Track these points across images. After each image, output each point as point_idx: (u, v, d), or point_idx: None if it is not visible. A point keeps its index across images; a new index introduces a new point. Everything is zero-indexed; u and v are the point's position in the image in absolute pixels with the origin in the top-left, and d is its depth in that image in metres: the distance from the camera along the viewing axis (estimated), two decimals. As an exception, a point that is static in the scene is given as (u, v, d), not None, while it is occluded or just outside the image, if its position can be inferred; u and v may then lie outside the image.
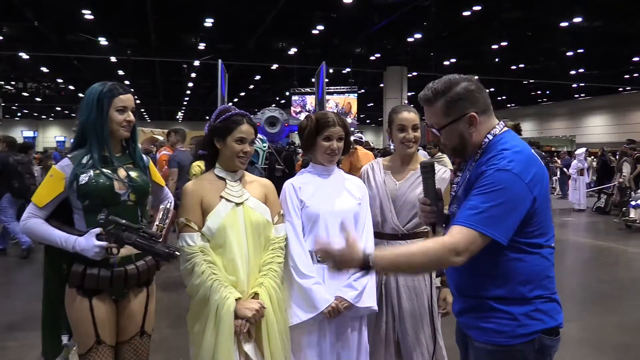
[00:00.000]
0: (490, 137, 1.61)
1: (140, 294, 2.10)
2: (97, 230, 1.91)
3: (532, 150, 1.59)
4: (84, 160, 1.97)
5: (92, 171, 1.96)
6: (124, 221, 1.91)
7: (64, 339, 2.03)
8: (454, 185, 1.79)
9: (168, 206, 2.10)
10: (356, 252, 1.48)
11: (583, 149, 13.60)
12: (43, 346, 2.09)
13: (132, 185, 2.04)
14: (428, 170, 1.76)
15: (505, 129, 1.63)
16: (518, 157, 1.51)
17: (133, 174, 2.07)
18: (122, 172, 2.04)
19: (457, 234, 1.47)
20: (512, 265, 1.53)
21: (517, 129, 5.55)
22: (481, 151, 1.61)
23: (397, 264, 1.53)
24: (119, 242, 1.92)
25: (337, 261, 1.49)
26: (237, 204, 2.07)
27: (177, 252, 1.92)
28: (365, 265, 1.47)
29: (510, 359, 1.54)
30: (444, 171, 2.40)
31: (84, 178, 1.94)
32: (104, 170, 1.98)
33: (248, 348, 1.99)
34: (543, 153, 15.36)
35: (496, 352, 1.55)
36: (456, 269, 1.62)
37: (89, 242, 1.89)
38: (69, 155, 2.00)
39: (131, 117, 2.05)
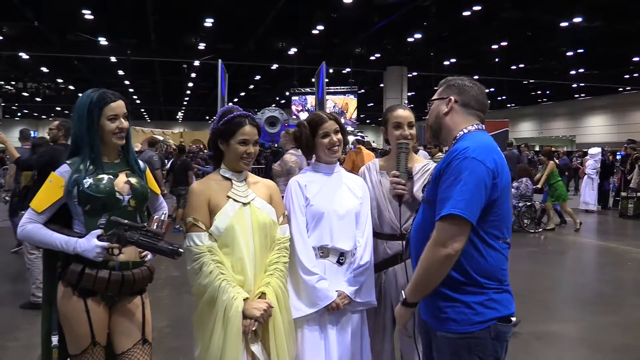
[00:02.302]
0: (465, 131, 1.78)
1: (135, 301, 2.08)
2: (98, 231, 1.91)
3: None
4: (82, 167, 1.97)
5: (92, 177, 1.96)
6: (125, 221, 1.91)
7: (54, 339, 2.00)
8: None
9: (162, 217, 2.08)
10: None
11: (598, 149, 13.03)
12: (42, 349, 2.06)
13: (133, 190, 2.04)
14: (404, 147, 2.08)
15: (479, 129, 1.79)
16: (477, 145, 1.66)
17: (133, 180, 2.08)
18: (122, 178, 2.05)
19: (435, 230, 1.61)
20: (471, 256, 1.63)
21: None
22: (454, 143, 1.78)
23: (419, 291, 1.69)
24: (121, 241, 1.91)
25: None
26: (244, 204, 2.08)
27: (180, 249, 1.91)
28: (404, 303, 1.73)
29: (469, 346, 1.62)
30: (433, 166, 2.41)
31: (85, 183, 1.94)
32: (105, 175, 1.99)
33: (255, 348, 2.00)
34: (526, 152, 15.17)
35: (456, 340, 1.65)
36: (420, 248, 1.72)
37: (90, 243, 1.88)
38: (67, 162, 2.00)
39: (124, 124, 2.04)
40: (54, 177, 1.97)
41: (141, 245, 1.92)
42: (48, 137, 5.02)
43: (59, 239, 1.92)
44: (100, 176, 1.98)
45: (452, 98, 1.82)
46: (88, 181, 1.95)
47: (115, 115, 2.01)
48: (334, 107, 19.83)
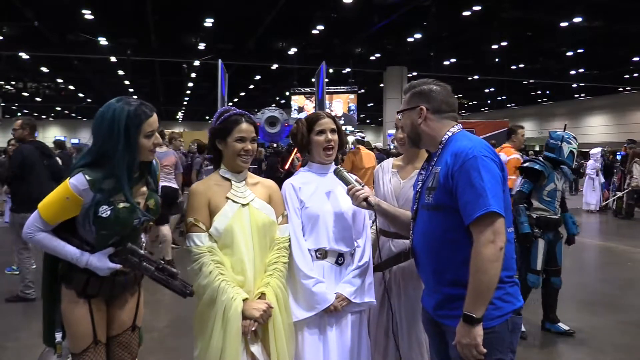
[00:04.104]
0: (450, 134, 1.82)
1: (132, 291, 2.14)
2: (110, 250, 1.92)
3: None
4: (104, 186, 1.86)
5: (113, 204, 1.87)
6: (142, 252, 1.93)
7: (58, 336, 2.04)
8: (418, 182, 1.92)
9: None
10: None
11: (599, 149, 13.00)
12: (44, 335, 2.10)
13: (148, 213, 2.03)
14: (338, 170, 2.16)
15: (461, 129, 1.85)
16: (477, 143, 1.72)
17: (151, 202, 2.05)
18: (141, 202, 2.01)
19: (477, 232, 1.62)
20: None
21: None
22: (441, 147, 1.82)
23: (482, 298, 1.61)
24: (134, 269, 1.96)
25: None
26: (243, 205, 2.08)
27: (193, 291, 1.95)
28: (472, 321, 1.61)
29: (491, 340, 1.64)
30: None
31: (105, 210, 1.85)
32: (127, 205, 1.89)
33: (255, 349, 2.00)
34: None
35: None
36: (433, 255, 1.77)
37: (102, 264, 1.90)
38: (86, 177, 1.84)
39: (159, 139, 1.98)
40: (72, 195, 1.84)
41: (155, 280, 1.94)
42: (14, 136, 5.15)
43: (70, 252, 1.90)
44: (121, 206, 1.88)
45: (423, 107, 1.84)
46: (107, 210, 1.85)
47: (152, 131, 1.93)
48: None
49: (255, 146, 2.12)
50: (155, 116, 1.95)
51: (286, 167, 10.01)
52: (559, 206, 4.09)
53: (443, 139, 1.82)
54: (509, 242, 1.70)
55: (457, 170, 1.67)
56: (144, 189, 2.06)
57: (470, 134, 1.82)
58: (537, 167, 4.01)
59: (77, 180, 1.85)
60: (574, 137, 4.13)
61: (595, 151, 12.72)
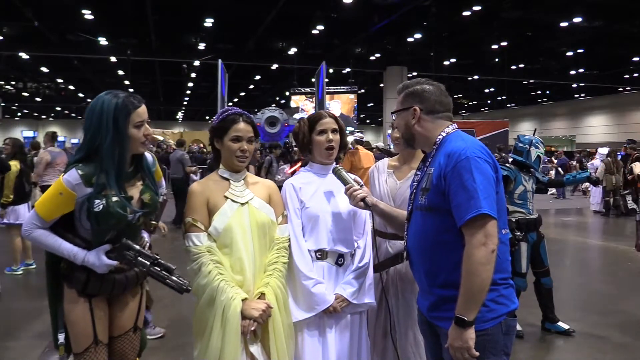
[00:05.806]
0: (444, 134, 1.80)
1: (134, 291, 2.13)
2: (107, 247, 1.92)
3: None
4: (94, 180, 1.86)
5: (105, 198, 1.87)
6: (138, 247, 1.92)
7: (60, 337, 2.04)
8: (414, 183, 1.91)
9: (160, 200, 2.10)
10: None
11: (607, 149, 12.49)
12: (52, 336, 2.12)
13: (144, 207, 2.02)
14: (337, 170, 2.17)
15: (456, 129, 1.83)
16: (471, 143, 1.70)
17: (146, 196, 2.03)
18: (135, 195, 2.00)
19: (469, 234, 1.60)
20: None
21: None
22: (436, 147, 1.81)
23: (474, 301, 1.60)
24: (130, 265, 1.95)
25: None
26: (242, 204, 2.07)
27: (189, 287, 1.94)
28: (464, 324, 1.59)
29: (484, 343, 1.63)
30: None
31: (98, 205, 1.85)
32: (118, 198, 1.89)
33: (254, 349, 2.00)
34: (495, 154, 15.12)
35: None
36: (426, 256, 1.75)
37: (99, 260, 1.90)
38: (79, 172, 1.86)
39: (149, 130, 1.97)
40: (65, 190, 1.86)
41: (151, 275, 1.94)
42: None
43: (67, 249, 1.91)
44: (113, 199, 1.88)
45: (416, 108, 1.82)
46: (101, 203, 1.86)
47: (142, 122, 1.92)
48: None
49: (252, 147, 2.10)
50: (144, 107, 1.94)
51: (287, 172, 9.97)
52: (532, 206, 4.10)
53: (437, 139, 1.80)
54: (503, 243, 1.68)
55: (450, 171, 1.65)
56: (139, 183, 2.04)
57: (465, 134, 1.79)
58: (504, 173, 4.00)
59: (70, 176, 1.87)
60: (542, 142, 4.19)
61: (604, 151, 12.26)
